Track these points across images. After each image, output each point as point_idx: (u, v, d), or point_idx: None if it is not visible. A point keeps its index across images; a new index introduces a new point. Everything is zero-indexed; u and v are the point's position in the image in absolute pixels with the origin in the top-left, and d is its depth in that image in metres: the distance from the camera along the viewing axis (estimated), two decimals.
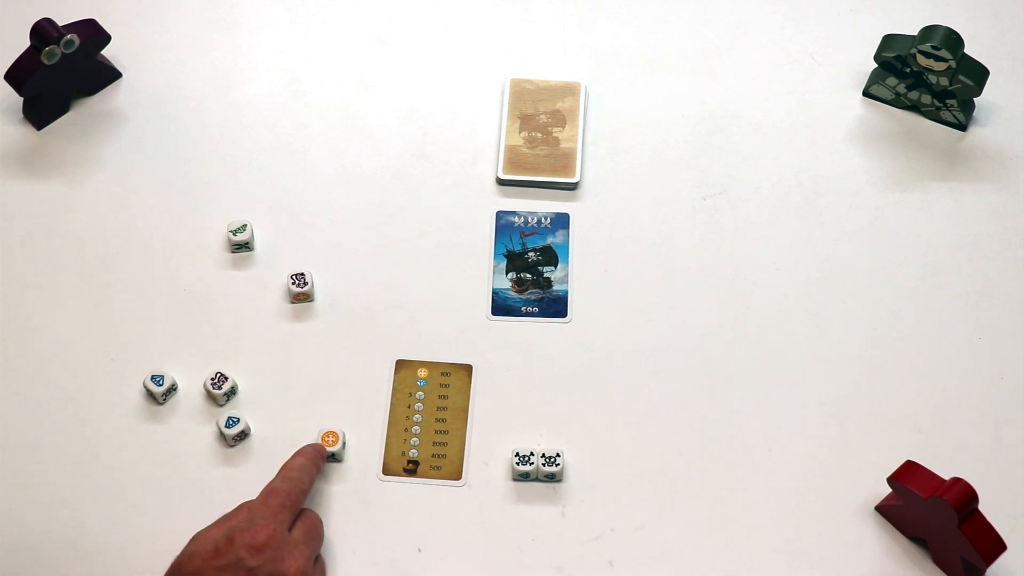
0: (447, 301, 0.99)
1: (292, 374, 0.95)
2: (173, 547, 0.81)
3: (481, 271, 1.01)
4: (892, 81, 1.09)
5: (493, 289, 1.00)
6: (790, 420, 0.93)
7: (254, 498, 0.84)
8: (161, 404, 0.93)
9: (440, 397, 0.94)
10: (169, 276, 1.00)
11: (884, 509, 0.89)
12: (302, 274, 0.98)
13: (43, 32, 1.02)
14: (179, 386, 0.94)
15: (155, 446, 0.91)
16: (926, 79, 1.06)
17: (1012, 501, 0.89)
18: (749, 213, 1.04)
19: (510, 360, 0.96)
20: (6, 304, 0.98)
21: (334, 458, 0.91)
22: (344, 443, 0.91)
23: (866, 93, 1.11)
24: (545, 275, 1.01)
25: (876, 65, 1.08)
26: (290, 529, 0.83)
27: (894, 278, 1.00)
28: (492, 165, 1.07)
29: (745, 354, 0.96)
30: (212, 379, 0.93)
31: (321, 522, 0.86)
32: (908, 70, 1.07)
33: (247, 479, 0.89)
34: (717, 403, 0.94)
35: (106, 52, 1.10)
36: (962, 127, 1.08)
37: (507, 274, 1.01)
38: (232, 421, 0.91)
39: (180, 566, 0.79)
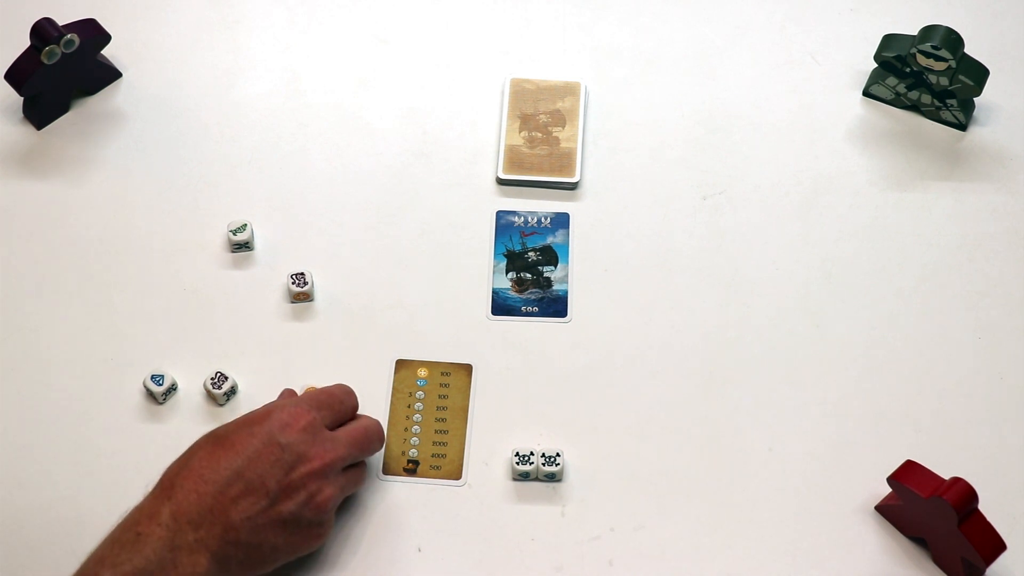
0: (447, 301, 0.99)
1: (292, 374, 0.95)
2: None
3: (481, 271, 1.01)
4: (892, 81, 1.09)
5: (493, 289, 1.00)
6: (790, 420, 0.93)
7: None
8: (161, 404, 0.94)
9: (440, 397, 0.94)
10: (169, 276, 1.00)
11: (884, 509, 0.89)
12: (302, 274, 0.98)
13: (43, 32, 1.02)
14: (179, 386, 0.94)
15: (155, 446, 0.91)
16: (926, 79, 1.06)
17: (1012, 501, 0.89)
18: (749, 213, 1.04)
19: (510, 360, 0.96)
20: (6, 304, 0.98)
21: None
22: None
23: (866, 93, 1.11)
24: (545, 275, 1.01)
25: (876, 65, 1.08)
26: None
27: (894, 278, 1.00)
28: (492, 165, 1.07)
29: (745, 354, 0.96)
30: (212, 379, 0.93)
31: (374, 432, 0.87)
32: (908, 70, 1.07)
33: None
34: (717, 403, 0.94)
35: (106, 52, 1.10)
36: (962, 127, 1.08)
37: (507, 274, 1.01)
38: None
39: (214, 431, 0.82)
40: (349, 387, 0.89)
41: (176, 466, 0.81)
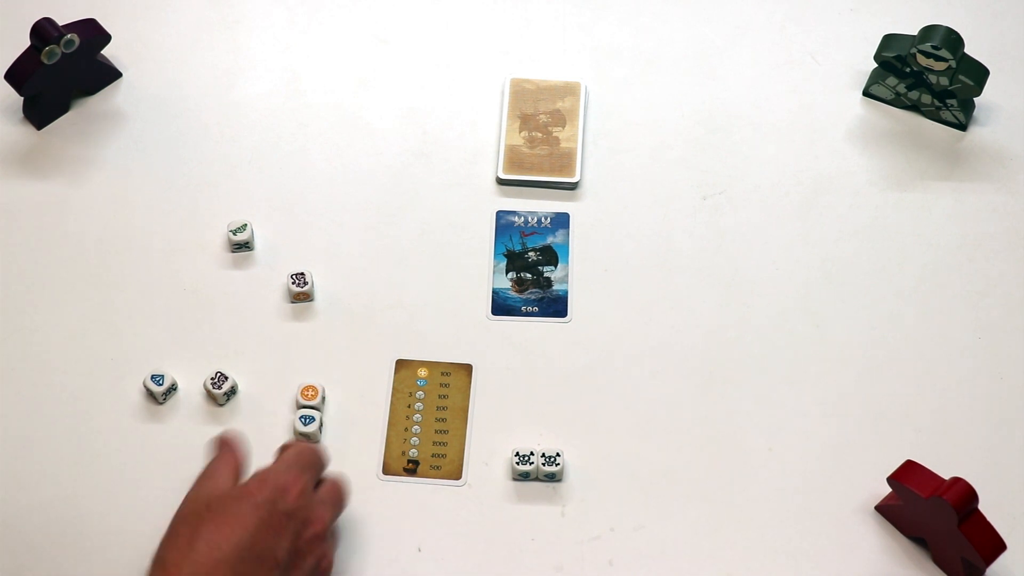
0: (447, 301, 0.99)
1: (292, 374, 0.95)
2: None
3: (481, 271, 1.01)
4: (892, 81, 1.09)
5: (493, 289, 1.00)
6: (790, 420, 0.93)
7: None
8: (161, 404, 0.94)
9: (440, 397, 0.94)
10: (169, 276, 1.00)
11: (884, 509, 0.89)
12: (302, 274, 0.98)
13: (43, 32, 1.02)
14: (179, 386, 0.94)
15: (155, 446, 0.91)
16: (926, 79, 1.06)
17: (1012, 501, 0.89)
18: (749, 213, 1.04)
19: (510, 360, 0.96)
20: (6, 304, 0.98)
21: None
22: (323, 397, 0.92)
23: (866, 93, 1.11)
24: (545, 275, 1.01)
25: (876, 65, 1.08)
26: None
27: (894, 278, 1.00)
28: (492, 165, 1.07)
29: (745, 354, 0.96)
30: (212, 379, 0.93)
31: (345, 490, 0.86)
32: (908, 70, 1.07)
33: None
34: (717, 403, 0.94)
35: (106, 52, 1.10)
36: (962, 127, 1.08)
37: (507, 274, 1.01)
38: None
39: (205, 502, 0.78)
40: (316, 445, 0.88)
41: (176, 553, 0.76)
